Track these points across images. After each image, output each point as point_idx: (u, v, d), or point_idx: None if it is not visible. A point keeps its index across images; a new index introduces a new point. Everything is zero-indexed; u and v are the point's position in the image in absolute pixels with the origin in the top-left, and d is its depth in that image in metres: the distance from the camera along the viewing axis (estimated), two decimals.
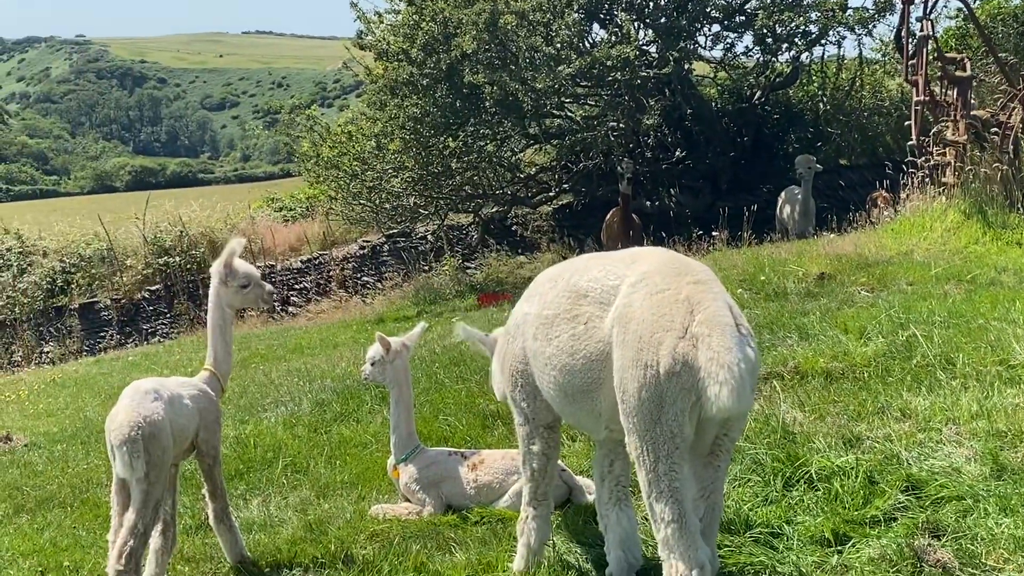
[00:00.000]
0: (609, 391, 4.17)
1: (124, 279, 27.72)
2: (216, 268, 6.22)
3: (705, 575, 3.96)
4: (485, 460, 6.73)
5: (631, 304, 4.03)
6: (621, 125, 20.24)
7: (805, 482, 5.84)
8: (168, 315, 27.19)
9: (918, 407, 6.94)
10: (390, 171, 21.45)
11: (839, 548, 5.22)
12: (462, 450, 7.01)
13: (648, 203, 22.66)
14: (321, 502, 7.22)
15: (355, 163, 21.62)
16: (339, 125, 24.12)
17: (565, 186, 23.68)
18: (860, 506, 5.61)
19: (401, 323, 17.87)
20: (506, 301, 17.15)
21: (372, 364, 6.94)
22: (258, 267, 25.25)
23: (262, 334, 20.56)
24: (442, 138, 20.02)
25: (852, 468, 5.93)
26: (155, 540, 5.91)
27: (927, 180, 13.48)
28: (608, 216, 18.95)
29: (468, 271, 23.70)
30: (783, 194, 18.85)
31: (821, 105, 23.56)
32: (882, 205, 18.14)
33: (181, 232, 28.32)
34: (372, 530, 6.39)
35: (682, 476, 3.98)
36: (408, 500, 6.85)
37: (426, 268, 24.53)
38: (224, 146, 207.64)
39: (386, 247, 25.89)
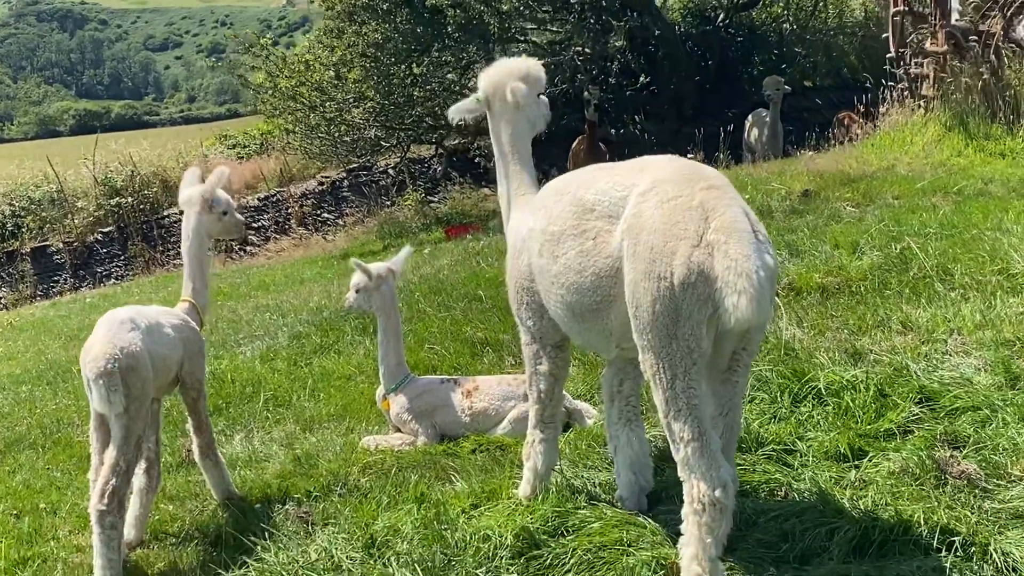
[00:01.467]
0: (620, 309, 3.99)
1: (76, 222, 27.03)
2: (198, 195, 5.93)
3: (728, 493, 3.81)
4: (480, 386, 6.53)
5: (641, 214, 3.83)
6: (587, 50, 19.72)
7: (813, 398, 5.67)
8: (122, 257, 26.59)
9: (919, 319, 6.77)
10: (350, 101, 20.93)
11: (856, 463, 5.04)
12: (455, 377, 6.78)
13: (613, 131, 22.27)
14: (308, 435, 7.04)
15: (313, 94, 21.04)
16: (296, 54, 23.35)
17: None
18: (873, 420, 5.44)
19: (368, 257, 17.16)
20: (475, 232, 16.90)
21: (357, 292, 6.68)
22: None
23: (222, 273, 20.05)
24: (403, 66, 19.38)
25: (861, 382, 5.76)
26: (138, 479, 5.62)
27: (906, 93, 13.22)
28: (574, 145, 18.55)
29: (432, 205, 23.37)
30: (750, 117, 18.56)
31: (786, 26, 23.17)
32: (849, 124, 17.91)
33: (132, 172, 27.57)
34: (365, 462, 6.16)
35: (700, 393, 3.81)
36: (400, 431, 6.66)
37: (388, 203, 24.27)
38: (168, 87, 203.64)
39: (346, 182, 25.46)
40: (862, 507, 4.56)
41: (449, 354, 7.92)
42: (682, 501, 3.99)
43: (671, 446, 3.87)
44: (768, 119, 17.84)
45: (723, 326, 3.67)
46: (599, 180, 4.19)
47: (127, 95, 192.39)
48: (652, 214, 3.77)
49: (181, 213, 6.11)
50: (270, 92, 22.45)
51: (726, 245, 3.59)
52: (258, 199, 26.34)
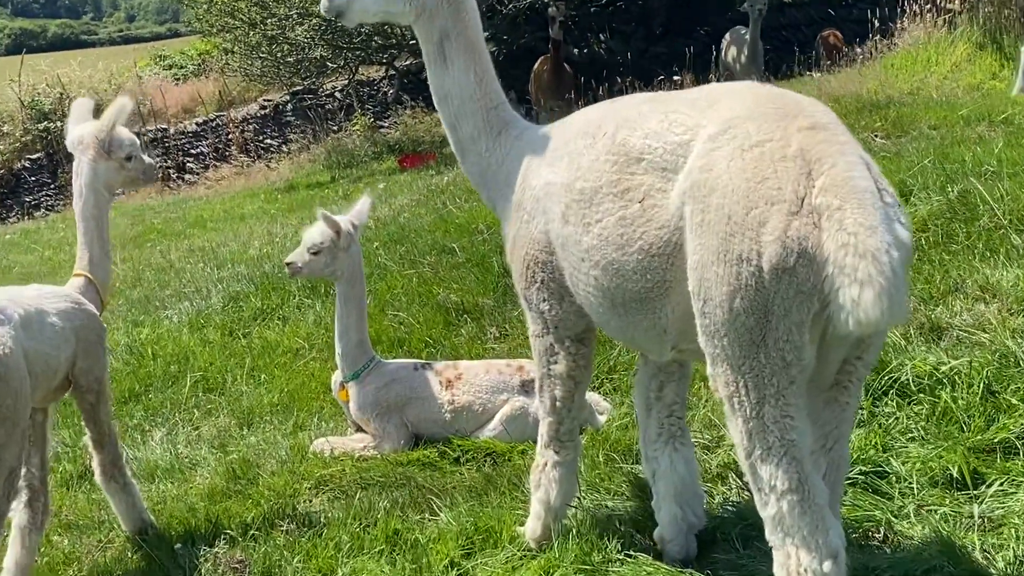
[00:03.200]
0: (680, 298, 3.31)
1: (1, 147, 25.64)
2: (91, 137, 4.76)
3: (839, 567, 3.09)
4: (463, 374, 5.64)
5: (712, 167, 3.14)
6: None
7: (897, 394, 4.74)
8: (52, 185, 25.27)
9: (1002, 282, 5.62)
10: (293, 18, 19.62)
11: (974, 492, 4.10)
12: (431, 362, 5.88)
13: (576, 51, 20.96)
14: (245, 434, 6.11)
15: (253, 9, 19.77)
16: None
17: (486, 34, 21.73)
18: (983, 428, 4.42)
19: (315, 190, 16.80)
20: (431, 162, 16.18)
21: (316, 254, 5.57)
22: (149, 131, 23.94)
23: (157, 206, 19.26)
24: None
25: (960, 373, 4.71)
26: (20, 514, 4.49)
27: (928, 6, 11.91)
28: (536, 65, 17.37)
29: (382, 131, 22.61)
30: (728, 35, 17.22)
31: None
32: (835, 44, 16.82)
33: (61, 94, 26.04)
34: (318, 475, 5.26)
35: (799, 423, 3.11)
36: (362, 430, 5.74)
37: (335, 128, 23.43)
38: (107, 6, 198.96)
39: (290, 106, 24.50)
40: (1001, 563, 3.65)
41: (418, 323, 7.01)
42: (744, 540, 3.67)
43: (756, 497, 3.19)
44: (748, 37, 16.53)
45: (836, 330, 2.93)
46: (648, 118, 3.48)
47: (64, 14, 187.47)
48: (728, 168, 3.10)
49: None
50: (206, 8, 21.21)
51: (840, 212, 2.89)
52: (196, 124, 25.34)
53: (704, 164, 3.14)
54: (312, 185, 17.56)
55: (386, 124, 23.27)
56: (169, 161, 23.94)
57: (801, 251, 2.92)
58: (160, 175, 21.29)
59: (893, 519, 3.96)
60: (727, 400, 3.15)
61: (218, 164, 24.94)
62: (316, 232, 5.59)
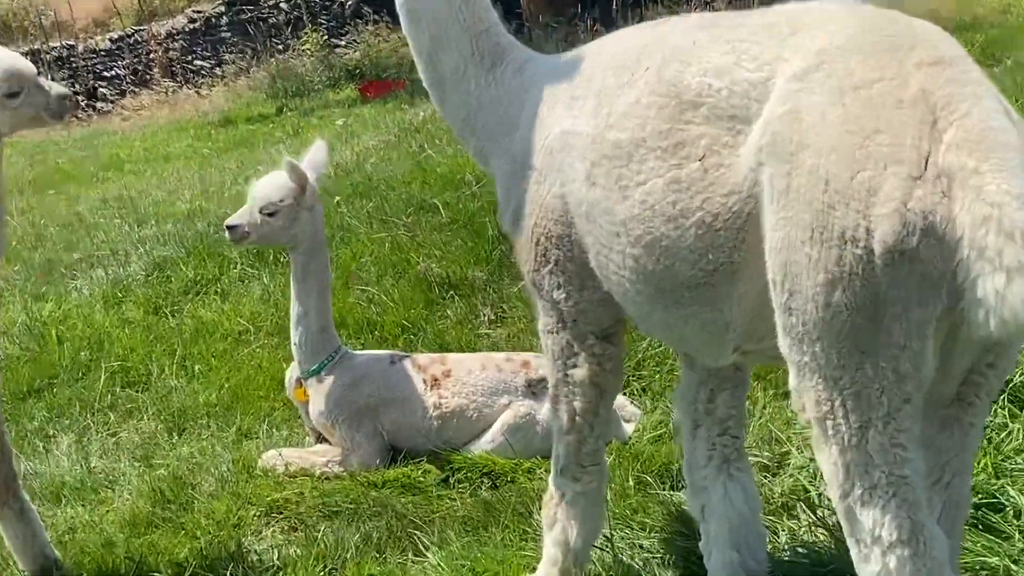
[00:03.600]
0: (750, 285, 3.22)
1: None
2: None
3: None
4: (453, 371, 5.59)
5: (801, 116, 2.97)
6: None
7: (1010, 400, 4.71)
8: None
9: None
10: None
11: None
12: (412, 354, 5.84)
13: None
14: (176, 442, 6.04)
15: None
16: None
17: None
18: None
19: (256, 125, 17.04)
20: (399, 91, 16.40)
21: (271, 215, 5.44)
22: (52, 50, 23.68)
23: (63, 142, 19.47)
24: None
25: None
26: None
27: None
28: None
29: (338, 50, 22.95)
30: None
31: None
32: None
33: None
34: (270, 500, 5.16)
35: (913, 455, 2.99)
36: (323, 439, 5.74)
37: (281, 47, 23.67)
38: None
39: (225, 19, 24.76)
40: None
41: (392, 301, 6.96)
42: None
43: (853, 549, 3.10)
44: None
45: (969, 331, 2.80)
46: (708, 49, 3.35)
47: None
48: (825, 117, 2.94)
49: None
50: None
51: (978, 177, 2.73)
52: (111, 40, 25.35)
53: (789, 112, 2.97)
54: (253, 119, 17.70)
55: (343, 43, 23.48)
56: (77, 86, 24.03)
57: (925, 228, 2.76)
58: (74, 105, 21.20)
59: (1012, 566, 3.88)
60: (818, 423, 3.03)
61: (137, 90, 24.92)
62: (273, 186, 5.46)
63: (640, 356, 5.80)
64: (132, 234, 9.88)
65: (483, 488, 5.08)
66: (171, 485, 5.37)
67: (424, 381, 5.57)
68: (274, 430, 5.97)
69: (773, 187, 2.98)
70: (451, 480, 5.19)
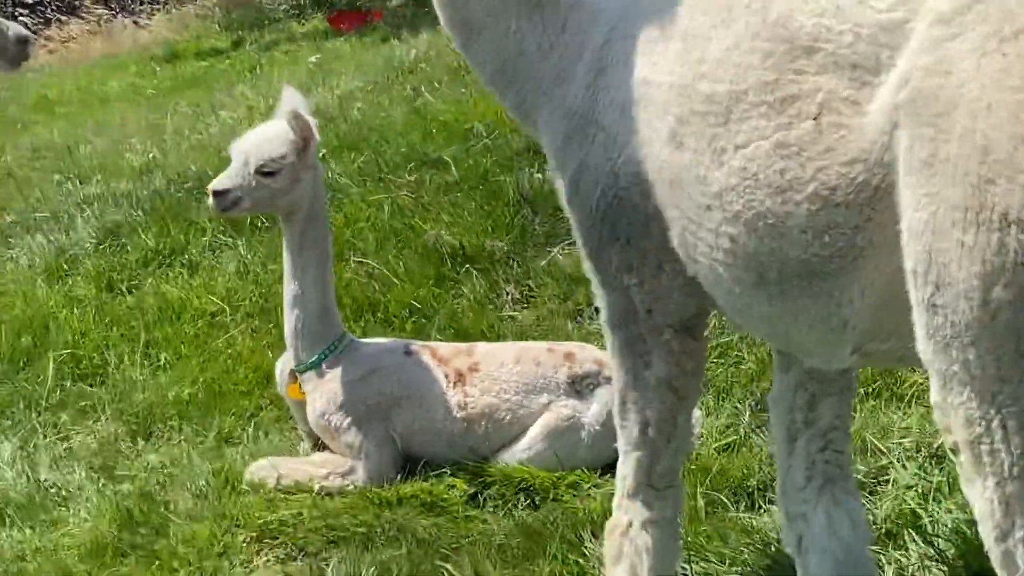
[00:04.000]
0: (878, 274, 3.21)
1: None
2: None
3: None
4: (482, 364, 5.57)
5: (949, 68, 2.94)
6: None
7: None
8: None
9: None
10: None
11: None
12: (431, 343, 5.82)
13: None
14: (142, 449, 6.00)
15: None
16: None
17: None
18: None
19: (209, 61, 17.00)
20: (375, 22, 16.46)
21: (271, 174, 5.40)
22: None
23: None
24: None
25: None
26: None
27: None
28: None
29: None
30: None
31: None
32: None
33: None
34: (261, 522, 5.11)
35: None
36: (324, 448, 5.72)
37: None
38: None
39: None
40: None
41: (397, 278, 6.91)
42: None
43: None
44: None
45: None
46: None
47: None
48: (980, 69, 2.91)
49: None
50: None
51: None
52: None
53: (934, 64, 2.91)
54: (205, 53, 17.68)
55: None
56: (30, 41, 23.83)
57: None
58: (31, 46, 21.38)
59: None
60: (968, 448, 2.99)
61: (64, 19, 25.06)
62: (273, 140, 5.43)
63: None
64: (75, 193, 9.80)
65: (520, 507, 5.06)
66: (139, 503, 5.32)
67: (446, 376, 5.52)
68: (261, 434, 5.92)
69: (913, 156, 2.94)
70: (481, 497, 5.16)
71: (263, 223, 7.40)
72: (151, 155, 10.53)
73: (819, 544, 4.02)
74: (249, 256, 7.48)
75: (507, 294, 6.62)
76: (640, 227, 3.70)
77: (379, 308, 6.60)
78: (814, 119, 3.16)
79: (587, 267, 3.95)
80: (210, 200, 5.46)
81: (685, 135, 3.45)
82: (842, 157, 3.12)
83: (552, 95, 3.91)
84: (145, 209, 8.70)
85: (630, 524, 4.05)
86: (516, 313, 6.39)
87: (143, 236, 8.21)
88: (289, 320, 5.59)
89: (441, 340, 6.09)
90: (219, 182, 5.42)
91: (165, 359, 6.73)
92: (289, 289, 5.57)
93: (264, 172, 5.41)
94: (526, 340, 6.04)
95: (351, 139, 9.15)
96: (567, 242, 6.72)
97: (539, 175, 7.46)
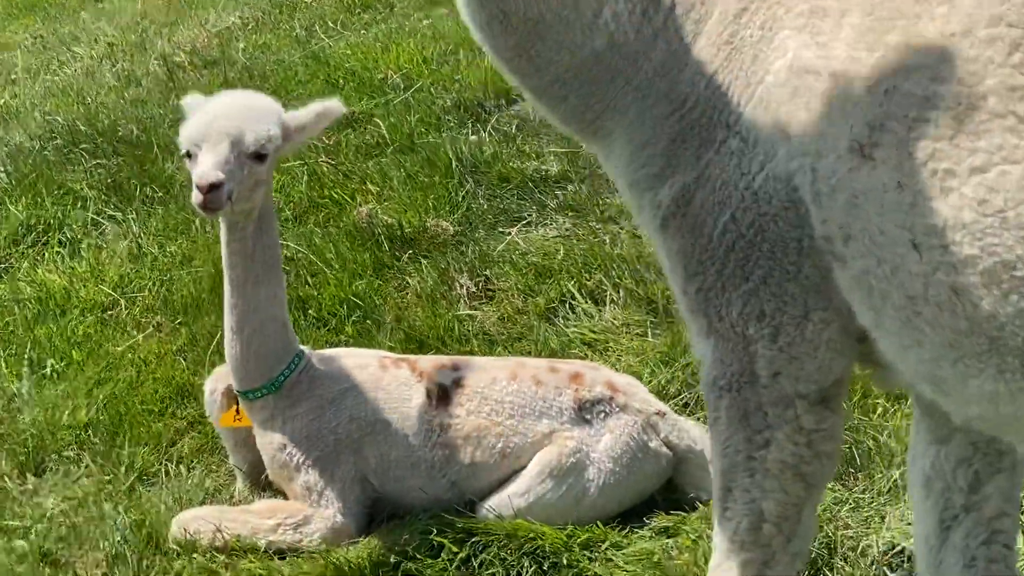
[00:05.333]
0: None
1: None
2: None
3: None
4: (468, 378, 4.93)
5: None
6: None
7: None
8: None
9: None
10: None
11: None
12: (406, 356, 5.17)
13: None
14: (32, 488, 5.14)
15: None
16: None
17: None
18: None
19: None
20: None
21: (262, 158, 4.66)
22: None
23: None
24: None
25: None
26: None
27: None
28: None
29: None
30: None
31: None
32: None
33: None
34: None
35: None
36: (277, 493, 5.01)
37: None
38: None
39: None
40: None
41: (327, 266, 6.11)
42: None
43: None
44: None
45: None
46: None
47: None
48: None
49: None
50: None
51: None
52: None
53: None
54: None
55: None
56: None
57: None
58: None
59: None
60: None
61: None
62: (266, 113, 4.70)
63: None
64: None
65: (526, 575, 4.27)
66: (40, 568, 4.51)
67: (428, 393, 4.84)
68: (183, 469, 5.11)
69: None
70: (475, 560, 4.37)
71: (155, 192, 6.52)
72: (1, 100, 9.45)
73: None
74: (140, 233, 6.61)
75: (461, 286, 5.91)
76: (787, 264, 3.10)
77: (311, 304, 5.79)
78: None
79: (686, 307, 3.31)
80: (195, 196, 4.47)
81: (879, 146, 2.83)
82: None
83: (649, 91, 3.22)
84: (8, 171, 7.66)
85: None
86: (474, 311, 5.68)
87: (10, 206, 7.22)
88: (236, 340, 4.83)
89: (390, 345, 5.37)
90: (206, 173, 4.45)
91: (52, 367, 5.86)
92: (235, 304, 4.82)
93: (258, 156, 4.64)
94: (493, 344, 5.37)
95: (240, 85, 8.01)
96: (524, 222, 5.92)
97: (474, 137, 6.67)
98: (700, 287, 3.22)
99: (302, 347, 5.02)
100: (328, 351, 5.23)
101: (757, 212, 3.08)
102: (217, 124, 4.59)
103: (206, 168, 4.48)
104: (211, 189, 4.44)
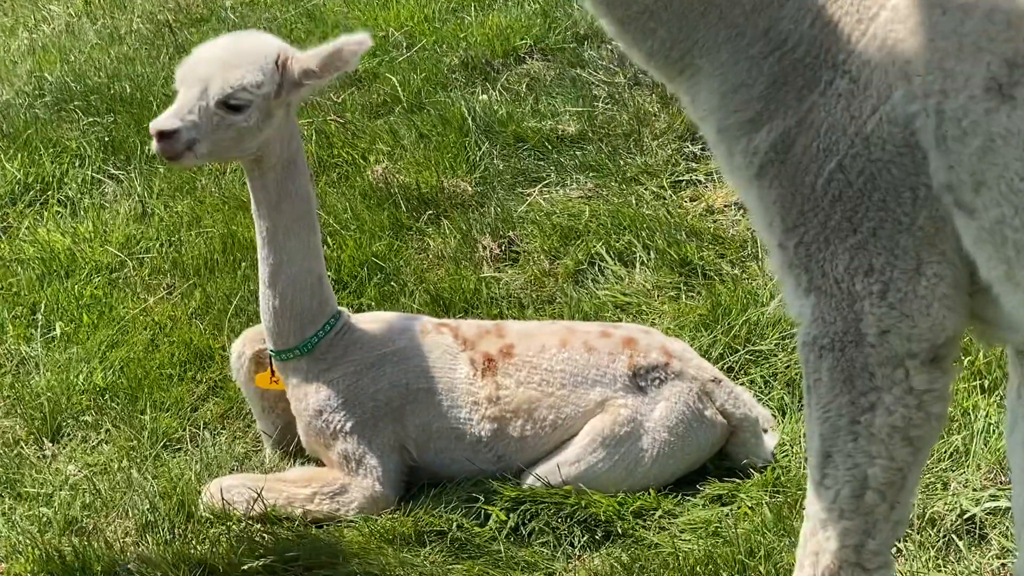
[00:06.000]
0: None
1: None
2: None
3: None
4: (516, 346, 4.66)
5: None
6: None
7: None
8: None
9: None
10: None
11: None
12: (446, 320, 4.93)
13: None
14: (50, 453, 4.92)
15: None
16: None
17: None
18: None
19: None
20: None
21: (237, 109, 4.42)
22: None
23: None
24: None
25: None
26: None
27: None
28: None
29: None
30: None
31: None
32: None
33: None
34: (243, 569, 4.05)
35: None
36: (315, 458, 4.79)
37: None
38: None
39: None
40: None
41: (343, 228, 5.94)
42: None
43: None
44: None
45: None
46: None
47: None
48: None
49: None
50: None
51: None
52: None
53: None
54: None
55: None
56: None
57: None
58: None
59: None
60: None
61: None
62: (245, 60, 4.38)
63: (754, 320, 4.85)
64: None
65: (578, 543, 4.09)
66: (67, 536, 4.22)
67: (472, 362, 4.60)
68: (208, 435, 4.87)
69: None
70: (523, 529, 4.19)
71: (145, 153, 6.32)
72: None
73: None
74: (144, 194, 6.36)
75: (484, 248, 5.71)
76: (900, 215, 2.94)
77: (330, 265, 5.41)
78: None
79: (782, 262, 3.12)
80: (154, 144, 4.26)
81: (1021, 85, 2.73)
82: None
83: (745, 28, 3.04)
84: (1, 129, 7.44)
85: None
86: (500, 273, 5.48)
87: (6, 164, 6.98)
88: (268, 296, 4.61)
89: (417, 308, 5.18)
90: (164, 120, 4.24)
91: (59, 330, 5.59)
92: (266, 256, 4.58)
93: (231, 105, 4.33)
94: (523, 307, 5.17)
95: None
96: (544, 183, 5.74)
97: (484, 96, 6.50)
98: (801, 240, 3.07)
99: (340, 308, 4.81)
100: (365, 314, 5.03)
101: (868, 159, 2.95)
102: (197, 68, 4.41)
103: (164, 115, 4.33)
104: (161, 137, 4.25)
